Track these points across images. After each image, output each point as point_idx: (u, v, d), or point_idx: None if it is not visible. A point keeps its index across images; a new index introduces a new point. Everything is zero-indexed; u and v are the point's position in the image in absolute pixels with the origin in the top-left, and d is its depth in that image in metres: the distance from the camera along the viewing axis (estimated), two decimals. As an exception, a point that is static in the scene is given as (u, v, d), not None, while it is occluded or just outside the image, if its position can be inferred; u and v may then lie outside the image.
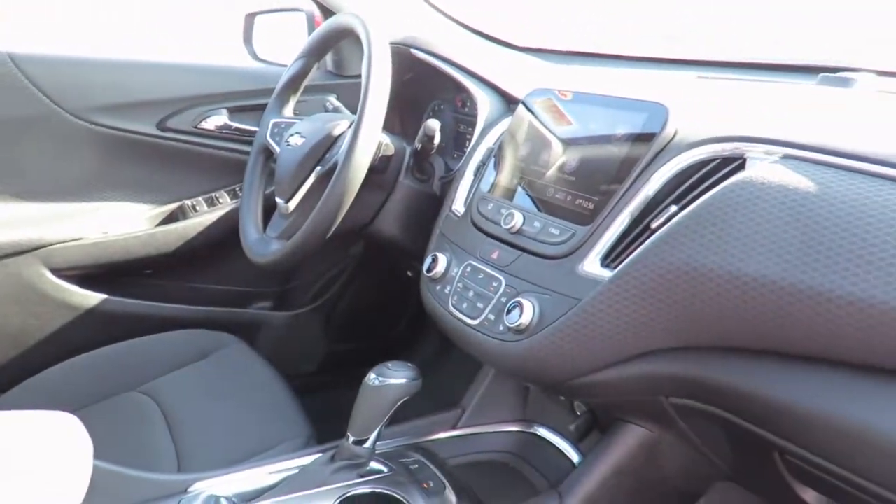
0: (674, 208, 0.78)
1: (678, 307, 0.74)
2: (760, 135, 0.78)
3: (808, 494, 0.77)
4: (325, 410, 1.23)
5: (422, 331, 1.81)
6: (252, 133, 1.57)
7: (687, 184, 0.79)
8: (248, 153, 1.43)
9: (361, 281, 1.78)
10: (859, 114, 0.89)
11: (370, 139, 1.06)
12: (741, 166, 0.76)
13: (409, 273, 1.48)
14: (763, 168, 0.74)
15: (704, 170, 0.78)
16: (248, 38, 1.72)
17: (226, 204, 1.62)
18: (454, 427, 1.12)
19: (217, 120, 1.59)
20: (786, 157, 0.74)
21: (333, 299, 1.77)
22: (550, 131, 0.98)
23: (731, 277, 0.70)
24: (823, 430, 0.67)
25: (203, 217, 1.60)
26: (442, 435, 1.11)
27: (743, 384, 0.72)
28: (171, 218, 1.59)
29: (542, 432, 1.12)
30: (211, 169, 1.60)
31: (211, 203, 1.61)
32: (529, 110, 1.02)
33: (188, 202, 1.59)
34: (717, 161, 0.78)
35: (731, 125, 0.81)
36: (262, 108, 1.47)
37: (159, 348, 1.41)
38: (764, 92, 1.08)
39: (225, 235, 1.60)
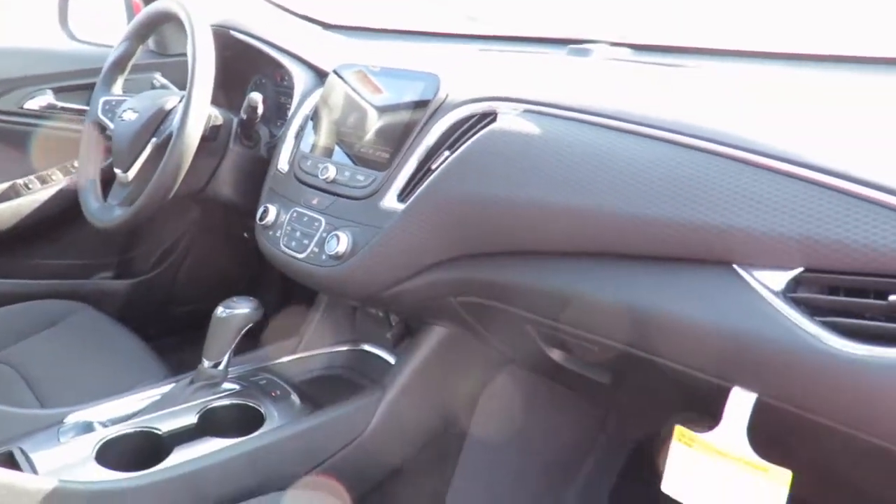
0: (447, 153, 1.03)
1: (453, 225, 1.00)
2: (508, 95, 1.04)
3: (555, 353, 1.06)
4: (177, 369, 1.38)
5: (262, 289, 1.98)
6: (78, 112, 1.65)
7: (455, 134, 1.04)
8: (76, 131, 1.52)
9: (201, 246, 1.91)
10: (588, 77, 1.18)
11: (200, 111, 1.22)
12: (493, 119, 1.02)
13: (246, 234, 1.64)
14: (508, 120, 1.00)
15: (468, 123, 1.04)
16: (63, 20, 1.78)
17: (59, 181, 1.69)
18: (294, 352, 1.33)
19: (42, 100, 1.66)
20: (526, 111, 1.01)
21: (175, 265, 1.89)
22: (355, 98, 1.20)
23: (486, 200, 0.96)
24: (562, 303, 0.94)
25: (37, 195, 1.67)
26: (284, 359, 1.31)
27: (503, 277, 0.99)
28: (3, 197, 1.64)
29: (368, 347, 1.36)
30: (41, 147, 1.66)
31: (43, 181, 1.68)
32: (339, 81, 1.23)
33: (20, 181, 1.66)
34: (477, 116, 1.03)
35: (487, 88, 1.07)
36: (86, 87, 1.57)
37: (6, 319, 1.48)
38: (524, 61, 1.36)
39: (61, 210, 1.68)
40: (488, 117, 1.02)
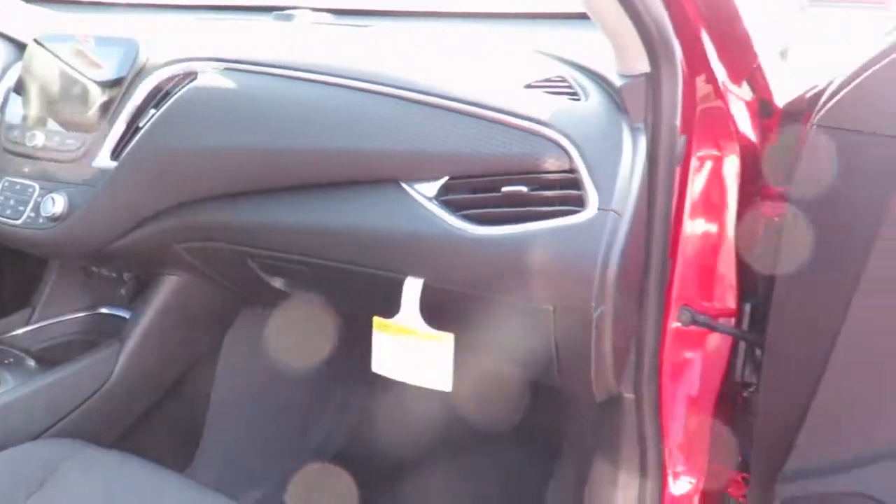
0: (153, 111, 1.12)
1: (164, 176, 1.10)
2: (207, 55, 1.14)
3: (276, 282, 1.20)
4: None
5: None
6: None
7: (160, 94, 1.12)
8: None
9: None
10: (285, 38, 1.31)
11: None
12: (194, 78, 1.12)
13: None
14: (208, 78, 1.11)
15: (172, 83, 1.13)
16: None
17: None
18: (27, 323, 1.34)
19: None
20: (225, 69, 1.12)
21: None
22: (57, 66, 1.22)
23: (190, 150, 1.07)
24: (269, 233, 1.08)
25: None
26: (18, 331, 1.32)
27: (217, 219, 1.10)
28: None
29: (104, 310, 1.40)
30: None
31: None
32: (39, 50, 1.25)
33: None
34: (179, 76, 1.13)
35: (188, 50, 1.16)
36: None
37: None
38: (230, 26, 1.46)
39: None
40: (190, 76, 1.12)
